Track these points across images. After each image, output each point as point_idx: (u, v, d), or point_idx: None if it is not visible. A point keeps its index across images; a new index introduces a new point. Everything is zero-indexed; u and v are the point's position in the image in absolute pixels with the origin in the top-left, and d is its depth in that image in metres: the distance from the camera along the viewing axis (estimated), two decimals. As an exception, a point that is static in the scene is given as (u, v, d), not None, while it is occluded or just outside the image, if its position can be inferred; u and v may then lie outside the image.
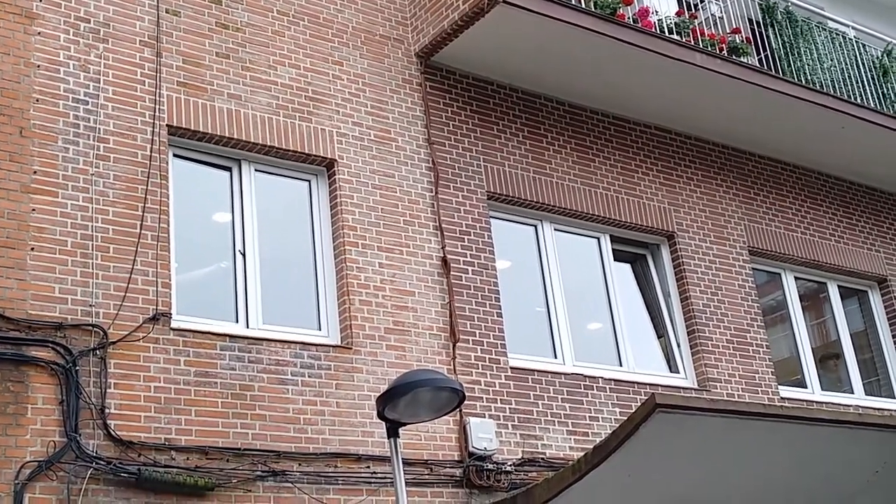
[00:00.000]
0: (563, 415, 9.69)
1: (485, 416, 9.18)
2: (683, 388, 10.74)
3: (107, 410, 7.46)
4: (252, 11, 9.40)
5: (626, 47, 10.47)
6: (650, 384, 10.35)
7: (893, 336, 13.33)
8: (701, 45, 11.23)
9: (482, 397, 9.26)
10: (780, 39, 12.51)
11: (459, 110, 10.33)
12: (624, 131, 11.57)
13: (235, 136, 8.86)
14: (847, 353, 12.86)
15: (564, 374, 9.93)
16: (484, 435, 9.01)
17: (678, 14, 11.52)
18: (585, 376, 10.02)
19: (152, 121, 8.44)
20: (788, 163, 13.08)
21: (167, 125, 8.54)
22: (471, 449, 8.92)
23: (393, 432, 6.87)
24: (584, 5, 10.34)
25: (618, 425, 7.92)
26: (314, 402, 8.37)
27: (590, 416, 9.84)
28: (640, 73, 10.92)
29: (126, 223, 8.04)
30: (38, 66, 8.09)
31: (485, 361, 9.43)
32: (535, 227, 10.63)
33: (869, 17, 14.87)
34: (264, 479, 7.92)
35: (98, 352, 7.57)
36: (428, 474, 8.69)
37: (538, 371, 9.78)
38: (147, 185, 8.21)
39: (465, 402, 7.19)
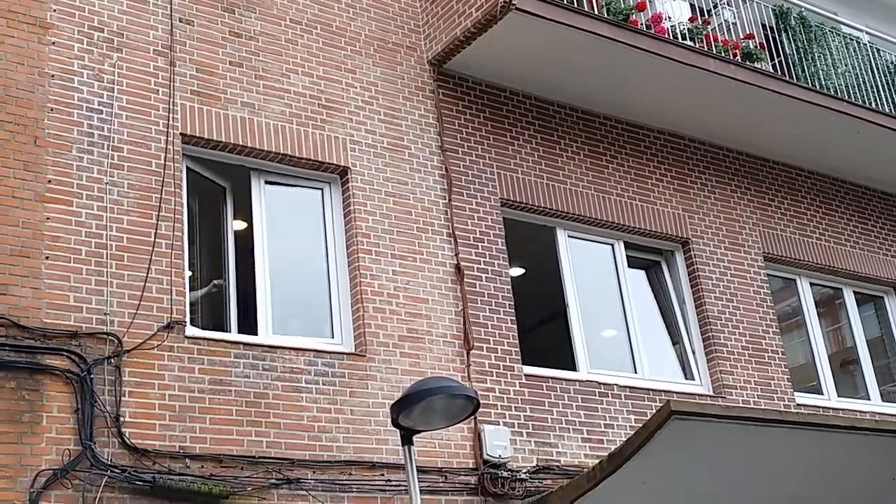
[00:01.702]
0: (577, 422, 9.66)
1: (499, 424, 9.16)
2: (699, 395, 10.70)
3: (121, 419, 7.47)
4: (265, 20, 9.42)
5: (639, 53, 10.45)
6: (665, 391, 10.32)
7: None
8: (714, 51, 11.21)
9: (496, 405, 9.24)
10: (793, 45, 12.46)
11: (472, 117, 10.33)
12: (637, 137, 11.55)
13: (249, 145, 8.87)
14: (863, 360, 12.79)
15: (579, 381, 9.91)
16: (498, 442, 8.99)
17: (691, 20, 11.49)
18: (600, 383, 9.99)
19: (166, 129, 8.47)
20: (803, 168, 13.03)
21: (181, 134, 8.56)
22: (485, 456, 8.90)
23: (407, 440, 6.86)
24: (596, 12, 10.32)
25: (633, 433, 7.91)
26: (328, 410, 8.37)
27: (605, 424, 9.81)
28: (653, 80, 10.90)
29: (140, 232, 8.06)
30: (53, 76, 8.13)
31: (499, 369, 9.41)
32: (549, 233, 10.61)
33: (883, 21, 14.82)
34: (279, 486, 7.91)
35: (113, 360, 7.58)
36: (442, 482, 8.66)
37: (553, 378, 9.75)
38: (161, 194, 8.24)
39: (480, 409, 7.18)
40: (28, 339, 7.33)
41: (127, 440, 7.44)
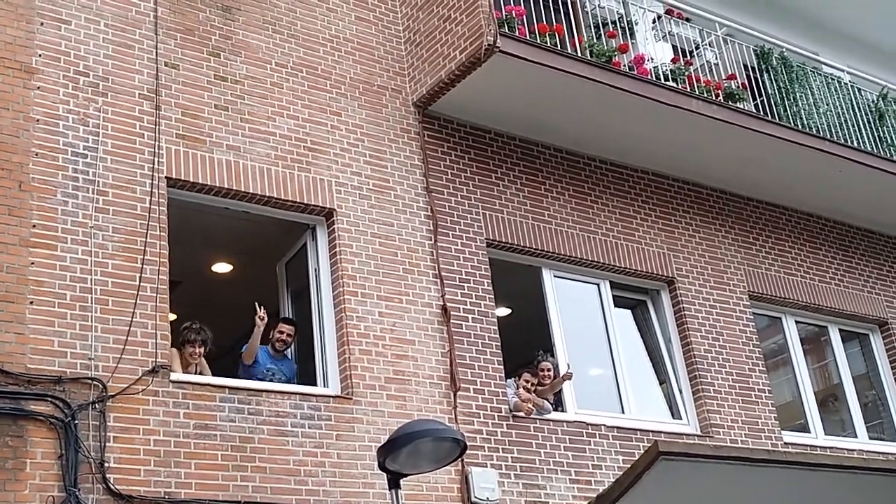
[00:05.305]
0: (565, 463, 9.62)
1: (487, 466, 9.11)
2: (686, 434, 10.68)
3: (106, 464, 7.41)
4: (250, 63, 9.45)
5: (623, 94, 10.52)
6: (653, 431, 10.29)
7: (896, 379, 13.30)
8: (697, 92, 11.29)
9: (484, 446, 9.20)
10: (775, 85, 12.57)
11: (458, 159, 10.36)
12: (622, 177, 11.60)
13: (235, 188, 8.87)
14: (849, 397, 12.80)
15: (566, 421, 9.88)
16: (486, 485, 8.94)
17: (673, 61, 11.58)
18: (588, 424, 9.97)
19: (151, 173, 8.47)
20: (787, 207, 13.10)
21: (166, 177, 8.56)
22: (473, 499, 8.84)
23: (394, 483, 6.81)
24: (580, 54, 10.41)
25: (621, 473, 7.88)
26: (315, 454, 8.32)
27: (592, 465, 9.77)
28: (636, 120, 10.96)
29: (125, 276, 8.03)
30: (38, 121, 8.13)
31: (486, 410, 9.38)
32: (535, 273, 10.62)
33: (863, 61, 14.95)
34: (265, 532, 7.85)
35: (97, 405, 7.53)
36: (430, 525, 8.61)
37: (540, 419, 9.73)
38: (146, 238, 8.22)
39: (467, 451, 7.15)
40: (12, 385, 7.28)
41: (112, 486, 7.37)
